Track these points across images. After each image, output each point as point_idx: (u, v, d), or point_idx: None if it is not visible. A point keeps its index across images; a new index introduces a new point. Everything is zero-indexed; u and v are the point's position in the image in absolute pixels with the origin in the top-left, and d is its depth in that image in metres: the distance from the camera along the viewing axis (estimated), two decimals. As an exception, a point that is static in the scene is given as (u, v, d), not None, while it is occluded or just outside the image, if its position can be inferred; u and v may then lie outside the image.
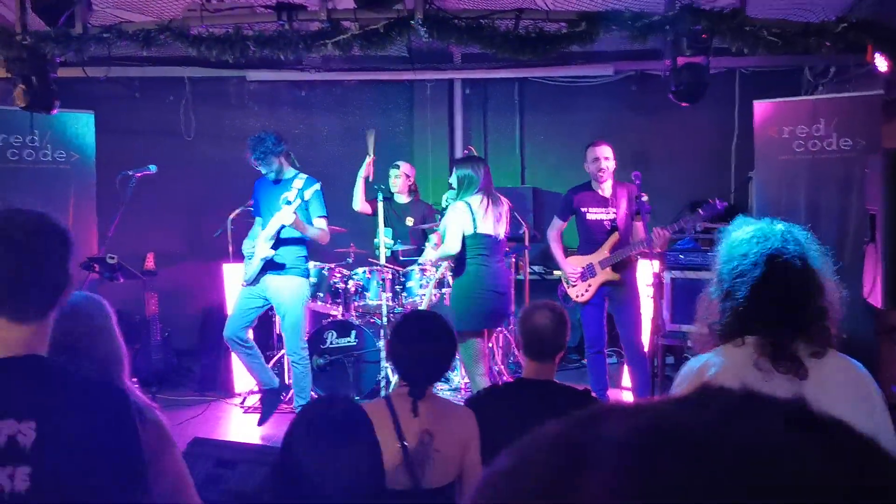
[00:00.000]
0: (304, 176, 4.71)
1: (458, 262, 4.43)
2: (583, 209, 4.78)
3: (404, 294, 5.26)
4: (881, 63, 4.18)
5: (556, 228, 4.96)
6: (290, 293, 4.72)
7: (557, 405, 2.47)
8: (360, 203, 5.75)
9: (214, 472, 2.44)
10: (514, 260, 6.25)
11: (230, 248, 5.77)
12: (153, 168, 5.15)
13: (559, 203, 5.07)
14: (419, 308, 5.13)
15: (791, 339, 1.68)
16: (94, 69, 4.88)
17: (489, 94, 7.18)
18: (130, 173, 5.06)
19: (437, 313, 2.65)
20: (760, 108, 5.41)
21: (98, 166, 5.70)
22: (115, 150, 6.10)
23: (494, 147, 7.18)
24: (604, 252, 4.69)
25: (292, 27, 4.27)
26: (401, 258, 5.59)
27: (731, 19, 4.02)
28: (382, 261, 5.34)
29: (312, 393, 4.85)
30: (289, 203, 4.47)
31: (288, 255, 4.71)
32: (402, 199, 5.85)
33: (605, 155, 4.70)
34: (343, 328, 5.25)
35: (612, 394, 5.23)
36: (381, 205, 5.36)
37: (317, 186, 4.57)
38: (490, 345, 5.88)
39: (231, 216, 5.77)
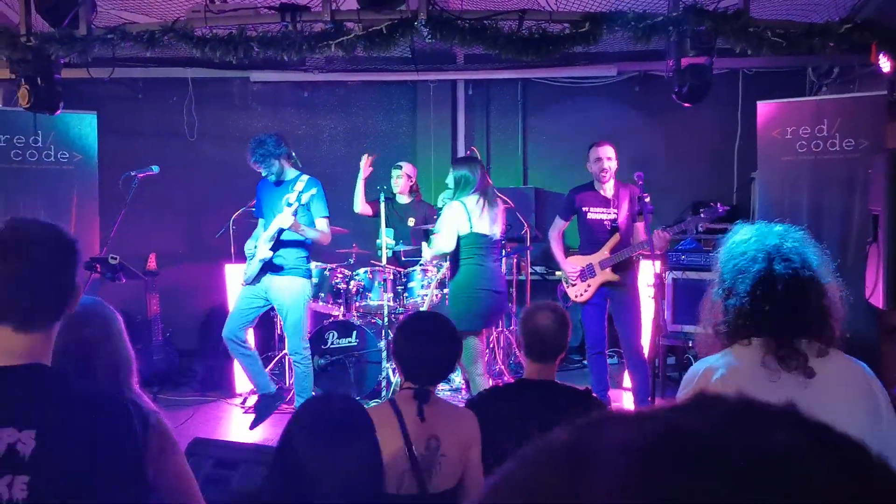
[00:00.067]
0: (306, 177, 4.72)
1: (454, 263, 4.46)
2: (584, 209, 4.78)
3: (406, 295, 5.26)
4: (885, 64, 4.17)
5: (557, 228, 4.96)
6: (291, 294, 4.72)
7: (559, 406, 2.47)
8: (360, 205, 5.76)
9: (215, 473, 2.44)
10: (515, 260, 6.25)
11: (232, 249, 5.78)
12: (156, 169, 5.16)
13: (561, 203, 5.07)
14: (421, 309, 5.14)
15: (795, 337, 1.68)
16: (97, 70, 4.89)
17: (492, 94, 7.19)
18: (133, 174, 5.07)
19: (443, 315, 2.66)
20: (764, 108, 5.40)
21: (101, 167, 5.71)
22: (118, 151, 6.11)
23: (497, 147, 7.19)
24: (604, 253, 4.69)
25: (296, 28, 4.27)
26: (402, 259, 5.59)
27: (735, 20, 4.01)
28: (384, 261, 5.34)
29: (314, 393, 4.85)
30: (289, 205, 4.49)
31: (289, 256, 4.72)
32: (404, 199, 5.85)
33: (608, 155, 4.70)
34: (344, 328, 5.25)
35: (613, 394, 5.23)
36: (382, 205, 5.36)
37: (314, 191, 4.58)
38: (491, 345, 5.88)
39: (233, 217, 5.78)
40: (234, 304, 4.92)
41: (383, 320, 5.15)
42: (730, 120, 6.74)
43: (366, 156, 5.67)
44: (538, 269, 6.67)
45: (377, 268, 5.30)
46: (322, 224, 4.76)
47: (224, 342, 4.78)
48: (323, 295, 5.33)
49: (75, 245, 1.49)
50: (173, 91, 6.88)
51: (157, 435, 1.53)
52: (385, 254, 5.36)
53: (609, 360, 5.03)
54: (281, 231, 4.60)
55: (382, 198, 5.36)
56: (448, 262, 4.74)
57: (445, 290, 5.17)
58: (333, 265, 5.43)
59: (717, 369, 1.72)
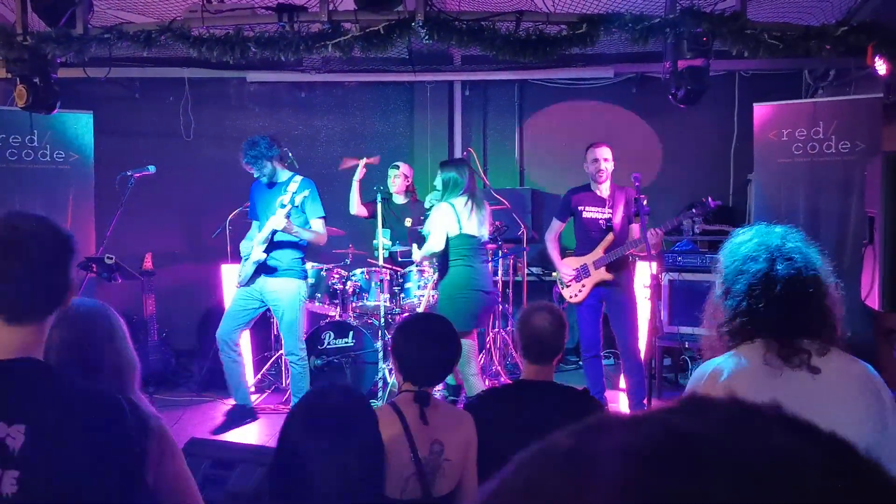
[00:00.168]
0: (300, 178, 4.71)
1: (443, 264, 4.49)
2: (580, 208, 4.81)
3: (402, 295, 5.26)
4: (881, 66, 4.18)
5: (553, 231, 4.97)
6: (286, 295, 4.72)
7: (558, 406, 2.47)
8: (356, 207, 5.76)
9: (211, 473, 2.44)
10: (511, 261, 6.25)
11: (228, 249, 5.77)
12: (152, 168, 5.15)
13: (558, 204, 5.08)
14: (419, 310, 5.14)
15: (796, 336, 1.69)
16: (94, 70, 4.87)
17: (489, 95, 7.19)
18: (129, 174, 5.06)
19: (442, 316, 2.67)
20: (760, 110, 5.42)
21: (98, 166, 5.70)
22: (114, 151, 6.10)
23: (494, 148, 7.19)
24: (598, 252, 4.71)
25: (293, 28, 4.27)
26: (399, 259, 5.59)
27: (732, 22, 4.02)
28: (381, 262, 5.34)
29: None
30: (283, 207, 4.49)
31: (283, 257, 4.72)
32: (400, 199, 5.85)
33: (605, 156, 4.72)
34: (341, 329, 5.24)
35: (609, 395, 5.23)
36: (379, 206, 5.36)
37: (307, 192, 4.58)
38: (487, 346, 5.89)
39: (229, 217, 5.78)
40: (230, 305, 4.91)
41: (380, 321, 5.14)
42: (726, 122, 6.76)
43: (361, 161, 5.66)
44: (534, 269, 6.67)
45: (374, 268, 5.30)
46: (318, 224, 4.76)
47: (217, 343, 4.77)
48: (319, 295, 5.33)
49: (70, 239, 1.48)
50: (170, 91, 6.87)
51: (157, 438, 1.52)
52: (382, 254, 5.36)
53: (605, 361, 5.03)
54: (275, 232, 4.60)
55: (379, 198, 5.36)
56: (436, 264, 4.76)
57: (441, 291, 5.18)
58: (330, 266, 5.43)
59: (722, 371, 1.72)
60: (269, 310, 4.92)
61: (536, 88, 7.07)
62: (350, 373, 5.18)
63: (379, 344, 5.07)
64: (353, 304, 5.34)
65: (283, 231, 4.53)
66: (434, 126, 7.07)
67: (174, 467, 1.57)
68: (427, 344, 2.36)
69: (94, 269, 4.55)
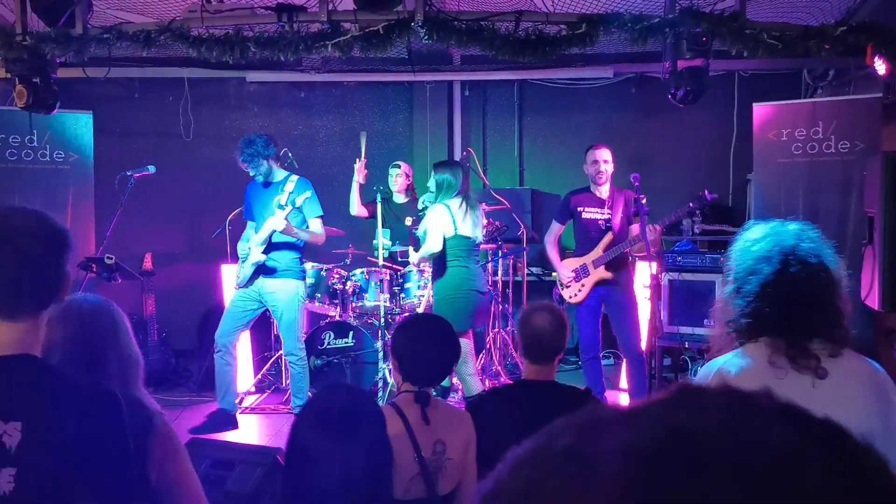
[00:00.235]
0: (296, 178, 4.70)
1: (439, 265, 4.51)
2: (579, 209, 4.82)
3: (402, 295, 5.26)
4: (880, 66, 4.18)
5: (553, 233, 4.98)
6: (285, 295, 4.72)
7: (560, 405, 2.47)
8: (356, 207, 5.76)
9: (211, 473, 2.44)
10: (511, 261, 6.25)
11: (228, 249, 5.77)
12: (152, 168, 5.15)
13: (557, 206, 5.09)
14: (418, 310, 5.14)
15: (808, 337, 1.66)
16: (94, 70, 4.87)
17: (488, 95, 7.19)
18: (129, 173, 5.06)
19: (442, 316, 2.67)
20: (759, 110, 5.42)
21: (97, 166, 5.70)
22: (114, 151, 6.10)
23: (493, 148, 7.19)
24: (598, 251, 4.72)
25: (292, 28, 4.27)
26: (399, 259, 5.59)
27: (731, 22, 4.02)
28: (381, 262, 5.34)
29: (310, 394, 4.85)
30: (281, 208, 4.48)
31: (282, 258, 4.71)
32: (400, 198, 5.85)
33: (604, 158, 4.73)
34: (341, 329, 5.24)
35: (610, 396, 5.23)
36: (379, 205, 5.37)
37: (308, 194, 4.57)
38: (487, 346, 5.89)
39: (229, 217, 5.77)
40: (228, 306, 4.91)
41: (380, 321, 5.14)
42: (726, 122, 6.76)
43: (359, 161, 5.65)
44: (534, 269, 6.67)
45: (374, 268, 5.30)
46: (316, 224, 4.76)
47: (215, 343, 4.77)
48: (319, 295, 5.33)
49: (65, 233, 1.46)
50: (170, 91, 6.86)
51: (160, 436, 1.52)
52: (381, 254, 5.35)
53: (605, 362, 5.04)
54: (273, 233, 4.59)
55: (379, 198, 5.36)
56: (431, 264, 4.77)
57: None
58: (330, 266, 5.43)
59: (730, 370, 1.70)
60: (268, 310, 4.92)
61: (536, 88, 7.07)
62: (350, 373, 5.18)
63: (379, 344, 5.07)
64: (353, 304, 5.34)
65: (282, 232, 4.53)
66: (433, 126, 7.07)
67: (178, 466, 1.56)
68: (427, 344, 2.36)
69: (94, 269, 4.55)
